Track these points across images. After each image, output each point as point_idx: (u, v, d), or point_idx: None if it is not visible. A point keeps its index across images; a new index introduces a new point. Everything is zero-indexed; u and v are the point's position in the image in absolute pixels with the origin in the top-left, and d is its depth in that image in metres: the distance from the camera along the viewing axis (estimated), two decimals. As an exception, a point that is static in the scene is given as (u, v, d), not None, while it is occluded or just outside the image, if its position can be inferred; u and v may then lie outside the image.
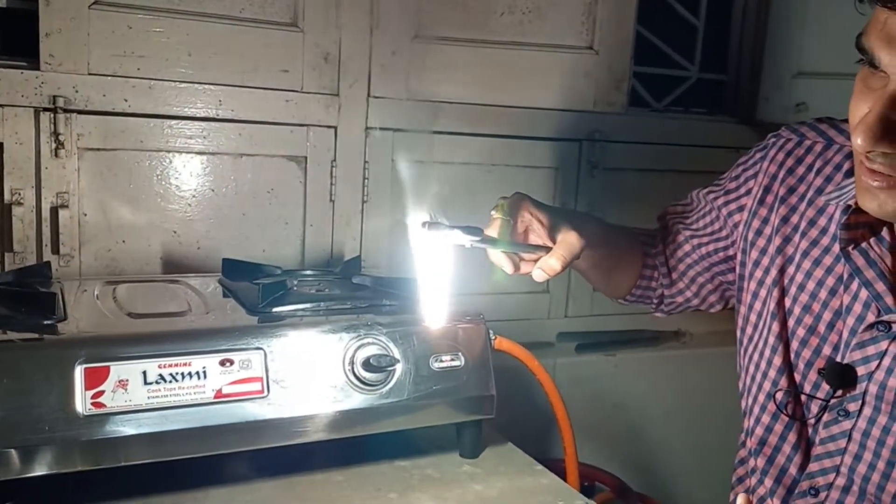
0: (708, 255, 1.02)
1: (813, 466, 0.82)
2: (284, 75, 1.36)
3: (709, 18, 1.88)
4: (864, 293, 0.79)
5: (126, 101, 1.25)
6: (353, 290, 1.05)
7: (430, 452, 0.98)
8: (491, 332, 0.98)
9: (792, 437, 0.85)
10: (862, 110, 0.69)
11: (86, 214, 1.26)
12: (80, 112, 1.22)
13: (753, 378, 0.91)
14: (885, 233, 0.80)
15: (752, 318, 0.93)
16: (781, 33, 1.78)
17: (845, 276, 0.82)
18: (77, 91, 1.21)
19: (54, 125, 1.20)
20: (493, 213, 0.88)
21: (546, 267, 0.86)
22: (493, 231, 0.86)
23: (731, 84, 1.92)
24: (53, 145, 1.21)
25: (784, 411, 0.85)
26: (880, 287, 0.78)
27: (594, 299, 1.67)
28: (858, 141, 0.68)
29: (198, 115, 1.30)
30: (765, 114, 1.82)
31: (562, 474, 0.98)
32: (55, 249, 1.24)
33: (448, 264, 0.83)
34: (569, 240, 0.86)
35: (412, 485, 0.91)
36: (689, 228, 1.04)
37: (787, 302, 0.88)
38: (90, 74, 1.22)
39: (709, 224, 1.02)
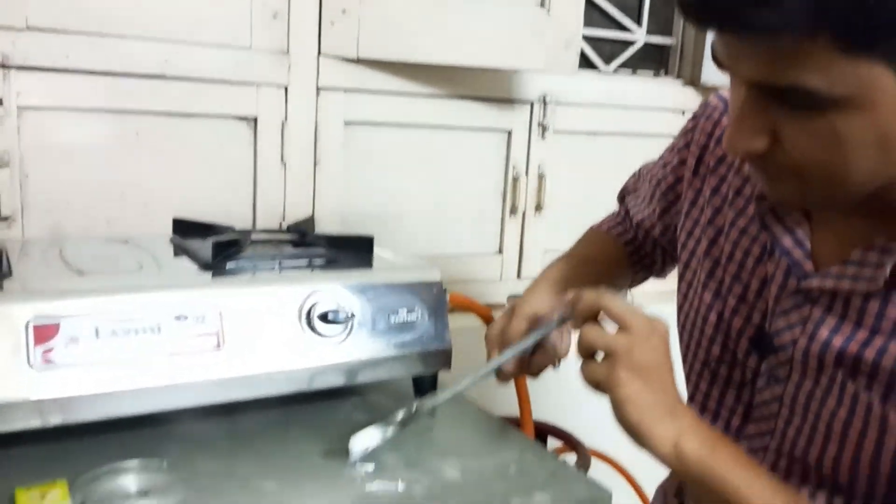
0: (670, 225, 1.01)
1: (750, 429, 0.83)
2: (232, 32, 1.33)
3: (656, -18, 1.90)
4: (784, 261, 0.79)
5: (67, 57, 1.21)
6: (308, 246, 1.05)
7: (386, 406, 0.99)
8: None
9: (729, 402, 0.86)
10: (732, 102, 0.68)
11: (28, 175, 1.22)
12: (18, 68, 1.18)
13: (689, 347, 0.91)
14: None
15: (684, 288, 0.94)
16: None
17: (769, 244, 0.81)
18: (15, 46, 1.17)
19: (-9, 82, 1.16)
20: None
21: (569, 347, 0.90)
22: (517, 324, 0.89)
23: (676, 47, 1.95)
24: (-9, 103, 1.17)
25: (718, 379, 0.86)
26: (798, 254, 0.78)
27: (546, 260, 1.70)
28: (724, 144, 0.68)
29: (143, 73, 1.27)
30: (709, 76, 1.85)
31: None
32: (-5, 211, 1.20)
33: None
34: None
35: (371, 437, 0.91)
36: (648, 206, 1.04)
37: (719, 272, 0.87)
38: (29, 29, 1.18)
39: (661, 197, 1.01)
